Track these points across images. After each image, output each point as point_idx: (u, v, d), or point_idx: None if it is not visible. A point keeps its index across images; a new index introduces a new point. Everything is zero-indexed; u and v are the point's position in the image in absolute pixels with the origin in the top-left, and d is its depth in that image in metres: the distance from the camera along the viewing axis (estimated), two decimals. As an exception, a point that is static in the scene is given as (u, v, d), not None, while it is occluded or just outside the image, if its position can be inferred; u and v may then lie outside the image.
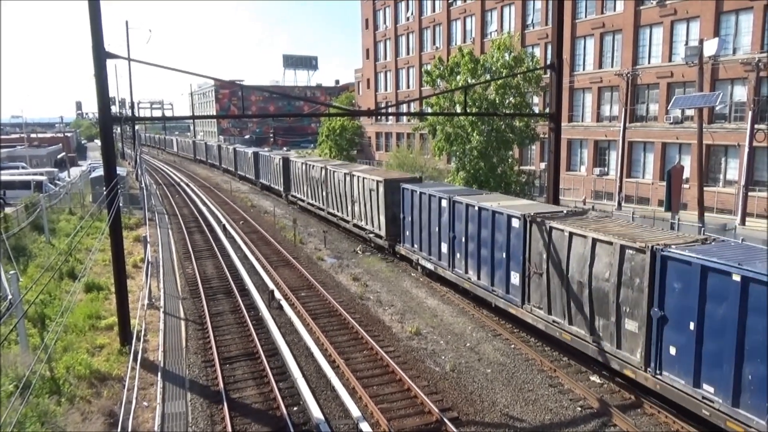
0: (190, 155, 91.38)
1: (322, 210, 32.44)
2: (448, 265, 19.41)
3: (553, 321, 14.30)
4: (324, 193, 31.68)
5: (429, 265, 20.82)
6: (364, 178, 25.87)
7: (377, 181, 24.41)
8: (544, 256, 14.43)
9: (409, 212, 22.09)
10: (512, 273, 15.91)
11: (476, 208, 17.42)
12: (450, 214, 18.92)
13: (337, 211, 29.93)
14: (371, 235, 25.85)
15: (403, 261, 23.99)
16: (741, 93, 31.35)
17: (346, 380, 13.48)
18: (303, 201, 36.56)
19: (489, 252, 16.88)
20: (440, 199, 19.60)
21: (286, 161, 40.71)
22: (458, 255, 18.61)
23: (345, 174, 28.12)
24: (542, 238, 14.56)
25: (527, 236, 15.12)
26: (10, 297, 13.56)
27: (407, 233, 22.47)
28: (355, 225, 27.67)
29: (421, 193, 20.97)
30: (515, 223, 15.62)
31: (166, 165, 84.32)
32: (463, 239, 18.17)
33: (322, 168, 31.77)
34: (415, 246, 21.89)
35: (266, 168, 46.90)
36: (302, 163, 36.20)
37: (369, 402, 12.35)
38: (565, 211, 15.83)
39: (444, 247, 19.55)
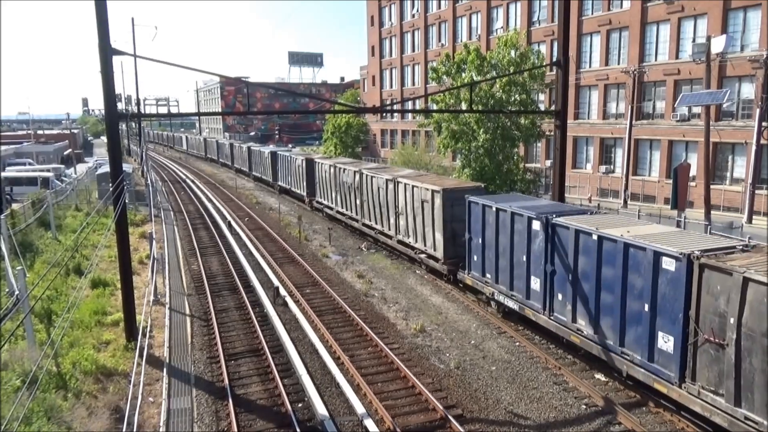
0: (201, 153, 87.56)
1: (356, 221, 28.52)
2: (542, 308, 15.00)
3: (746, 417, 9.70)
4: (358, 202, 27.78)
5: (511, 304, 16.33)
6: (414, 187, 21.82)
7: (433, 191, 20.34)
8: (731, 319, 9.85)
9: (478, 232, 17.76)
10: (661, 334, 11.43)
11: (594, 237, 12.83)
12: (546, 241, 14.58)
13: (376, 223, 25.94)
14: (422, 256, 21.72)
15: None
16: (748, 90, 31.14)
17: (350, 377, 13.50)
18: (331, 209, 32.31)
19: (617, 299, 12.39)
20: (530, 219, 15.26)
21: (310, 163, 36.17)
22: (560, 296, 14.28)
23: (387, 180, 24.13)
24: (724, 292, 10.01)
25: (693, 285, 10.59)
26: (17, 292, 13.63)
27: (475, 258, 18.19)
28: (400, 242, 23.68)
29: (498, 209, 16.63)
30: (668, 264, 11.09)
31: (172, 162, 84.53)
32: (570, 277, 13.79)
33: (356, 172, 27.69)
34: (488, 276, 17.50)
35: (286, 170, 42.14)
36: (330, 166, 31.59)
37: (373, 399, 12.36)
38: (739, 247, 11.31)
39: (535, 283, 15.24)
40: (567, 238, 13.86)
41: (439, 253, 20.39)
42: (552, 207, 16.40)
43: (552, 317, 14.73)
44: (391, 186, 23.90)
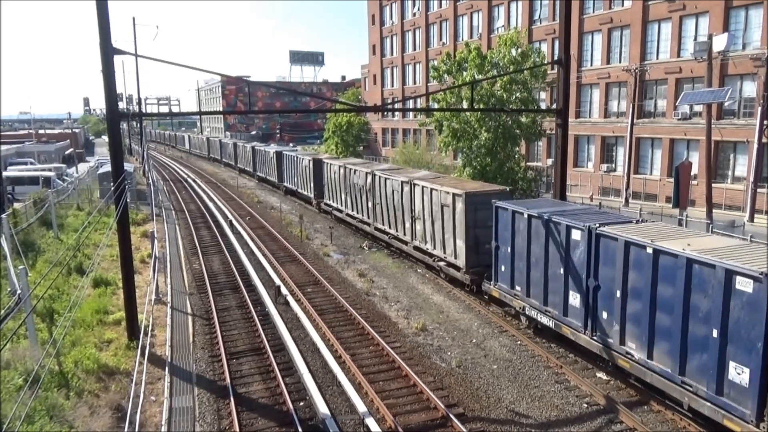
0: (204, 153, 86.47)
1: (367, 224, 27.28)
2: (582, 326, 13.61)
3: None
4: (370, 205, 26.56)
5: (545, 321, 14.93)
6: (433, 190, 20.50)
7: (455, 195, 19.02)
8: None
9: (507, 240, 16.36)
10: (733, 365, 10.00)
11: (649, 251, 11.44)
12: (589, 253, 13.18)
13: (390, 227, 24.73)
14: (442, 264, 20.44)
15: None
16: (750, 89, 31.08)
17: (352, 376, 13.52)
18: (340, 211, 31.04)
19: (677, 321, 10.99)
20: (569, 228, 13.82)
21: (318, 163, 34.77)
22: (605, 315, 12.92)
23: (402, 182, 22.85)
24: None
25: None
26: (19, 292, 13.66)
27: (502, 269, 16.79)
28: (417, 248, 22.38)
29: (531, 216, 15.22)
30: (744, 284, 9.70)
31: (173, 161, 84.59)
32: (619, 294, 12.35)
33: (368, 173, 26.43)
34: (518, 289, 16.11)
35: (292, 170, 40.73)
36: (340, 167, 30.24)
37: (375, 397, 12.38)
38: None
39: (574, 299, 13.89)
40: (614, 251, 12.43)
41: (461, 262, 19.05)
42: (591, 214, 15.04)
43: (595, 337, 13.28)
44: (406, 188, 22.60)
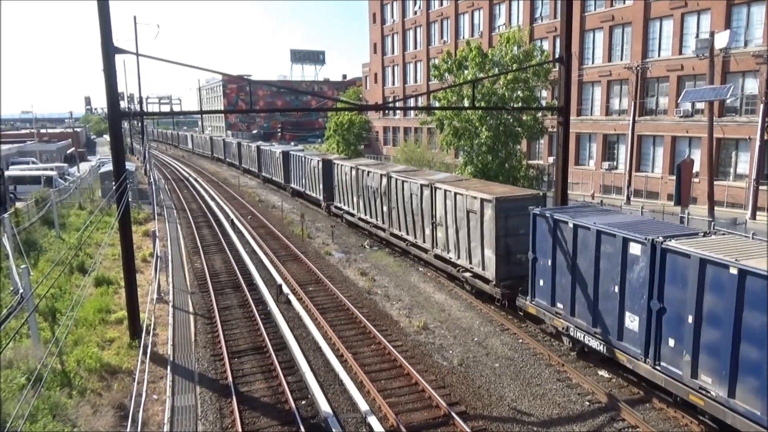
0: (207, 152, 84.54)
1: (382, 230, 25.80)
2: (642, 353, 11.88)
3: None
4: (385, 209, 25.08)
5: (594, 344, 13.31)
6: (457, 194, 19.02)
7: (483, 200, 17.47)
8: None
9: (546, 252, 14.69)
10: None
11: (733, 272, 9.91)
12: (652, 271, 11.50)
13: (407, 234, 23.18)
14: (467, 275, 18.89)
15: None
16: (752, 86, 31.02)
17: (354, 374, 13.53)
18: (352, 215, 29.47)
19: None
20: (626, 241, 12.14)
21: (328, 164, 33.10)
22: (672, 342, 11.28)
23: (422, 185, 21.41)
24: None
25: None
26: (21, 291, 13.69)
27: (541, 283, 15.13)
28: (438, 257, 20.88)
29: (577, 226, 13.51)
30: None
31: (175, 161, 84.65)
32: (690, 319, 10.77)
33: (383, 175, 24.93)
34: (560, 306, 14.44)
35: (300, 171, 39.11)
36: (352, 168, 28.65)
37: (377, 396, 12.39)
38: None
39: (632, 322, 12.19)
40: (685, 269, 10.81)
41: (490, 273, 17.45)
42: (648, 224, 13.25)
43: (658, 367, 11.57)
44: (426, 192, 21.11)
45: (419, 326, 16.59)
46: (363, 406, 11.91)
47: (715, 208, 26.07)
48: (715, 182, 27.26)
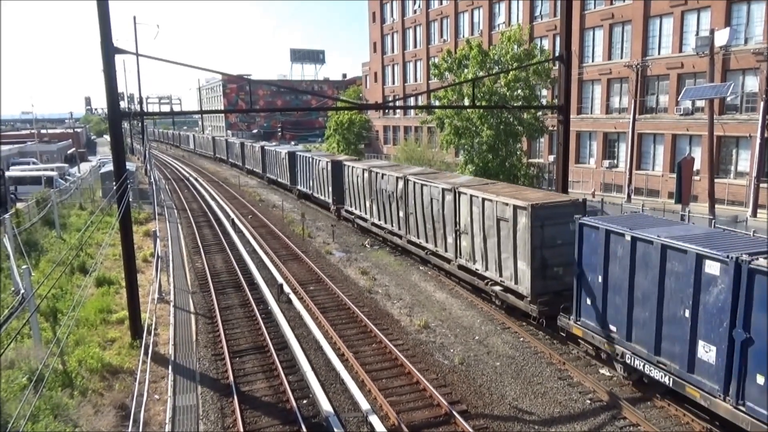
0: (209, 153, 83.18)
1: (398, 236, 24.20)
2: (721, 390, 10.23)
3: None
4: (401, 214, 23.49)
5: (657, 375, 11.59)
6: (485, 200, 17.22)
7: (516, 207, 15.75)
8: None
9: (596, 267, 13.06)
10: None
11: None
12: (735, 294, 9.88)
13: (427, 241, 21.59)
14: (497, 289, 17.17)
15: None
16: (753, 83, 31.00)
17: (355, 373, 13.54)
18: (364, 220, 27.84)
19: None
20: (700, 258, 10.45)
21: (337, 166, 31.36)
22: (759, 379, 9.63)
23: (444, 190, 19.76)
24: None
25: None
26: (22, 291, 13.70)
27: (588, 302, 13.43)
28: (462, 267, 19.23)
29: (635, 239, 11.88)
30: None
31: (175, 160, 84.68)
32: None
33: (399, 178, 23.32)
34: (613, 329, 12.80)
35: (307, 172, 37.40)
36: (365, 170, 27.01)
37: (378, 395, 12.39)
38: None
39: (708, 352, 10.49)
40: None
41: (524, 288, 15.77)
42: (722, 239, 11.43)
43: (742, 407, 9.87)
44: (449, 197, 19.46)
45: (420, 325, 16.60)
46: (364, 405, 11.92)
47: (716, 206, 26.06)
48: (716, 180, 27.25)
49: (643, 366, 12.01)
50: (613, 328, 12.84)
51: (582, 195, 30.47)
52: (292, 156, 41.41)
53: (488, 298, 18.20)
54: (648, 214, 18.56)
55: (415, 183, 21.96)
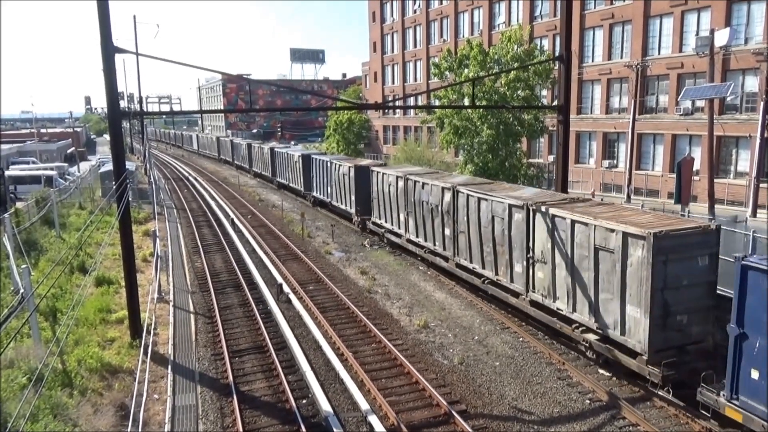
0: (213, 154, 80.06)
1: (443, 258, 20.56)
2: None
3: None
4: (448, 232, 19.98)
5: None
6: (575, 222, 13.70)
7: (629, 235, 12.17)
8: None
9: (765, 326, 9.47)
10: None
11: None
12: None
13: (484, 267, 17.98)
14: (591, 338, 13.46)
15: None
16: (753, 83, 31.00)
17: (354, 373, 13.54)
18: (398, 236, 24.10)
19: None
20: None
21: (363, 172, 27.82)
22: None
23: (512, 207, 16.19)
24: None
25: None
26: (22, 291, 13.70)
27: (754, 374, 9.78)
28: (535, 303, 15.57)
29: None
30: None
31: (175, 160, 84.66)
32: None
33: (446, 189, 19.77)
34: None
35: (324, 178, 33.54)
36: (399, 178, 23.30)
37: (377, 395, 12.39)
38: None
39: None
40: None
41: (637, 342, 12.14)
42: None
43: None
44: (518, 215, 15.92)
45: (420, 325, 16.60)
46: (363, 404, 11.92)
47: (716, 206, 26.03)
48: (716, 180, 27.24)
49: None
50: None
51: (582, 195, 29.64)
52: (306, 159, 37.60)
53: (572, 345, 14.63)
54: None
55: (468, 196, 18.33)
